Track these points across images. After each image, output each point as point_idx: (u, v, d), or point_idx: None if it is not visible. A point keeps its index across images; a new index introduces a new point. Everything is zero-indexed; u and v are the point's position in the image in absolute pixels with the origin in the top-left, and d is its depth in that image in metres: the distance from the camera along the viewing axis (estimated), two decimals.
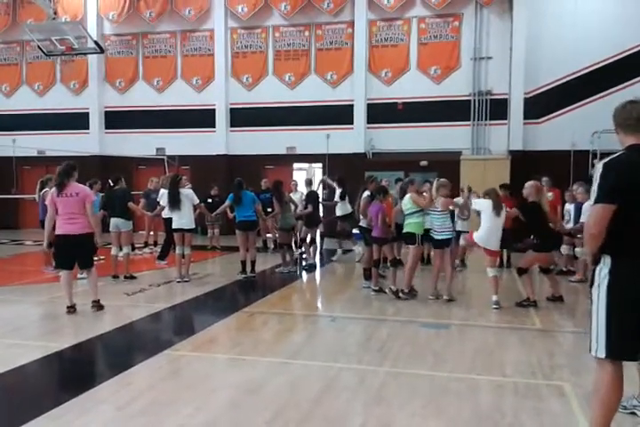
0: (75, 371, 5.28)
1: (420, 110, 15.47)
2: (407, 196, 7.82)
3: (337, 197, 11.56)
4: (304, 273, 10.46)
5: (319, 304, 8.26)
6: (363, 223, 8.60)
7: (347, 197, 11.56)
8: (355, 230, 14.68)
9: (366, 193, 8.62)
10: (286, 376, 4.80)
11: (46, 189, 9.68)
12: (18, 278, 9.35)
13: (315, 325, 6.81)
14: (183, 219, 9.10)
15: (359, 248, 11.49)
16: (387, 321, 6.70)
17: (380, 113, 15.78)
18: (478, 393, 4.42)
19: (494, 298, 7.27)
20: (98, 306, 7.19)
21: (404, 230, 7.81)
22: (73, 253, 7.00)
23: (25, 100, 18.28)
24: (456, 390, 4.48)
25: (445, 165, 14.03)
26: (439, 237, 7.65)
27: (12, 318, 7.00)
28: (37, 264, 10.31)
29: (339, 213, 11.66)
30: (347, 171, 15.19)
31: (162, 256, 10.89)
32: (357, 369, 4.98)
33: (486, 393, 4.42)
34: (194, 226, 9.32)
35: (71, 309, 7.06)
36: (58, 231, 6.97)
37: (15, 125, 18.07)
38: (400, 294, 7.71)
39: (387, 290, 8.00)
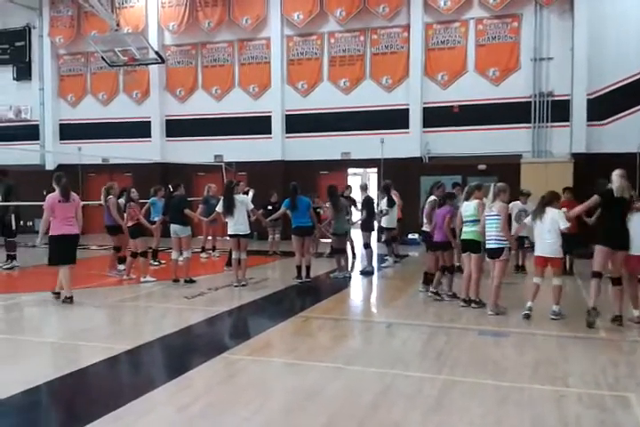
0: (136, 373, 5.44)
1: (479, 113, 15.21)
2: (474, 202, 7.45)
3: (384, 206, 11.22)
4: (359, 278, 10.42)
5: (374, 310, 8.21)
6: (426, 228, 8.48)
7: (395, 205, 11.33)
8: (410, 235, 14.70)
9: (432, 198, 8.50)
10: (342, 382, 4.79)
11: (110, 196, 10.03)
12: (83, 282, 9.68)
13: (370, 331, 6.77)
14: (238, 224, 9.24)
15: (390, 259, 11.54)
16: (443, 328, 6.59)
17: (437, 116, 15.61)
18: (540, 403, 4.28)
19: (529, 304, 6.93)
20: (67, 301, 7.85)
21: (466, 237, 7.46)
22: (71, 250, 7.89)
23: (90, 110, 19.05)
24: (517, 399, 4.36)
25: (505, 169, 13.73)
26: (492, 246, 7.10)
27: (77, 320, 7.29)
28: (102, 268, 10.67)
29: (385, 223, 11.36)
30: (402, 175, 15.14)
31: (228, 263, 10.97)
32: (414, 376, 4.91)
33: (548, 404, 4.28)
34: (249, 231, 9.44)
35: (68, 299, 7.84)
36: (58, 232, 7.71)
37: (81, 134, 18.86)
38: (472, 304, 7.46)
39: (444, 295, 7.89)
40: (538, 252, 6.97)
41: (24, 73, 19.72)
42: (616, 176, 6.62)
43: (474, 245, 7.40)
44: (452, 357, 5.46)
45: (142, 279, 9.61)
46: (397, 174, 15.11)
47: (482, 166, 14.76)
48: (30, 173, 17.10)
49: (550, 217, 6.83)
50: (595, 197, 6.64)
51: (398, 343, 6.08)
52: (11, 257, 11.21)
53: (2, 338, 6.35)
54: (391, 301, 8.35)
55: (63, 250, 7.83)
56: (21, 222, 12.63)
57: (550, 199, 6.95)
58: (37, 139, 19.56)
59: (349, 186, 12.42)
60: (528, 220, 7.18)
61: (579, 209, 6.92)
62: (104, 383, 5.08)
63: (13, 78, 19.82)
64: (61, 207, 7.80)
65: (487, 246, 7.18)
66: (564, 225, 6.73)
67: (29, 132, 19.43)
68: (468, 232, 7.46)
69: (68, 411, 4.40)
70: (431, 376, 4.90)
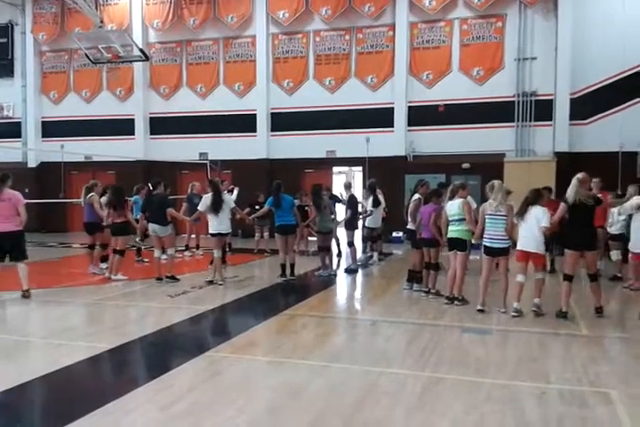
0: (118, 372, 5.40)
1: (463, 112, 15.30)
2: (458, 201, 7.48)
3: (369, 206, 11.19)
4: (344, 276, 10.43)
5: (359, 307, 8.22)
6: (410, 226, 8.50)
7: (380, 205, 11.31)
8: (395, 233, 14.75)
9: (416, 196, 8.52)
10: (326, 380, 4.79)
11: (92, 193, 9.95)
12: (66, 280, 9.61)
13: (354, 328, 6.78)
14: (222, 224, 9.21)
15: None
16: (427, 325, 6.62)
17: (422, 115, 15.68)
18: (522, 400, 4.31)
19: (515, 305, 6.95)
20: (27, 295, 8.03)
21: (452, 236, 7.48)
22: (6, 247, 7.97)
23: (73, 107, 18.86)
24: (499, 396, 4.39)
25: (488, 168, 13.83)
26: (500, 246, 7.05)
27: (59, 318, 7.21)
28: (84, 266, 10.57)
29: (370, 223, 11.33)
30: (387, 174, 15.18)
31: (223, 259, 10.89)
32: (398, 374, 4.93)
33: (530, 400, 4.31)
34: (231, 230, 9.54)
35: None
36: None
37: (63, 131, 18.67)
38: (456, 302, 7.49)
39: (428, 293, 7.95)
40: (520, 246, 7.00)
41: (6, 70, 19.45)
42: (574, 180, 6.78)
43: (460, 244, 7.44)
44: (436, 354, 5.48)
45: (113, 277, 9.55)
46: (382, 173, 15.15)
47: (466, 165, 14.86)
48: (12, 171, 16.84)
49: (534, 215, 6.88)
50: (562, 205, 6.84)
51: (382, 341, 6.10)
52: None
53: None
54: (375, 298, 8.38)
55: None
56: None
57: (534, 199, 7.00)
58: (19, 136, 19.30)
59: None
60: (514, 219, 7.18)
61: (556, 217, 6.96)
62: (86, 382, 5.03)
63: None
64: None
65: (493, 246, 7.07)
66: (545, 224, 6.78)
67: (11, 130, 19.16)
68: (453, 231, 7.48)
69: (49, 410, 4.36)
70: (415, 373, 4.92)
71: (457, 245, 7.47)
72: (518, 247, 7.04)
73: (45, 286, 9.02)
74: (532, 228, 6.86)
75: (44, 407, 4.51)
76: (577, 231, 6.75)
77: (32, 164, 19.00)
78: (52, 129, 19.10)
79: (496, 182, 7.24)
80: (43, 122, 19.31)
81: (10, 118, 19.48)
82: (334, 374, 4.95)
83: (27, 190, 17.67)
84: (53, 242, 15.80)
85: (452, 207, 7.52)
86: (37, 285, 9.03)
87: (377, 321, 6.82)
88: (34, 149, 18.84)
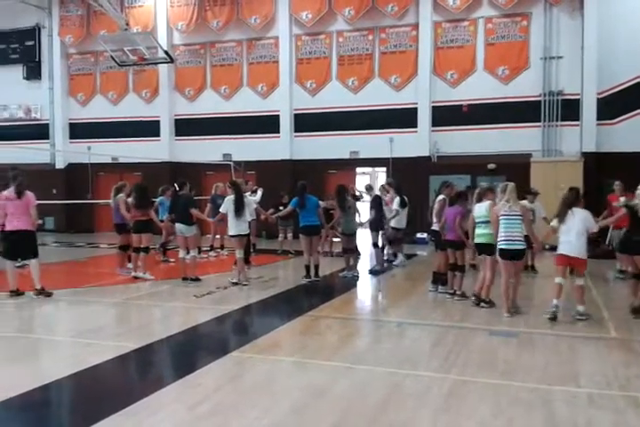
0: (146, 371, 5.46)
1: (488, 112, 15.16)
2: (485, 204, 7.37)
3: (396, 206, 11.16)
4: (368, 278, 10.41)
5: (383, 309, 8.19)
6: (435, 227, 8.44)
7: (407, 206, 11.27)
8: (419, 234, 14.66)
9: (440, 197, 8.45)
10: (351, 381, 4.79)
11: (121, 194, 10.08)
12: (93, 280, 9.75)
13: (379, 330, 6.75)
14: (243, 225, 9.27)
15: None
16: (453, 328, 6.56)
17: (446, 115, 15.57)
18: (551, 404, 4.26)
19: (555, 302, 6.82)
20: (43, 293, 8.16)
21: (481, 241, 7.37)
22: (19, 245, 8.18)
23: (100, 109, 19.12)
24: (527, 400, 4.34)
25: (514, 168, 13.68)
26: (518, 247, 6.95)
27: (88, 318, 7.33)
28: (111, 266, 10.72)
29: (396, 224, 11.23)
30: (411, 175, 15.11)
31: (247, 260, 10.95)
32: (424, 376, 4.90)
33: (559, 404, 4.26)
34: (249, 230, 9.66)
35: (14, 293, 8.16)
36: (8, 228, 8.13)
37: (90, 133, 18.95)
38: (482, 304, 7.40)
39: (454, 295, 7.89)
40: (562, 251, 6.85)
41: (34, 72, 19.80)
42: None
43: (487, 248, 7.34)
44: (462, 356, 5.44)
45: (141, 275, 9.66)
46: (406, 174, 15.09)
47: (491, 166, 14.71)
48: (40, 172, 17.16)
49: (579, 218, 6.74)
50: (623, 211, 7.20)
51: (407, 343, 6.07)
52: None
53: (14, 336, 6.39)
54: (400, 300, 8.33)
55: (13, 245, 8.20)
56: None
57: (574, 199, 6.90)
58: (47, 138, 19.65)
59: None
60: (555, 222, 7.05)
61: (609, 222, 7.31)
62: (114, 381, 5.10)
63: (23, 77, 19.90)
64: (12, 205, 8.12)
65: (510, 247, 6.93)
66: (596, 228, 6.81)
67: (39, 131, 19.51)
68: (480, 235, 7.38)
69: (79, 408, 4.42)
70: (441, 376, 4.88)
71: (485, 249, 7.39)
72: (560, 252, 6.90)
73: (73, 286, 9.18)
74: (577, 232, 6.71)
75: (73, 406, 4.59)
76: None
77: (60, 165, 19.32)
78: (79, 131, 19.40)
79: (510, 184, 7.15)
80: (70, 124, 19.63)
81: (38, 120, 19.82)
82: (359, 375, 4.94)
83: (55, 191, 18.07)
84: (81, 242, 16.04)
85: (480, 210, 7.43)
86: (65, 284, 9.22)
87: (402, 323, 6.78)
88: (62, 151, 19.14)
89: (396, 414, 4.08)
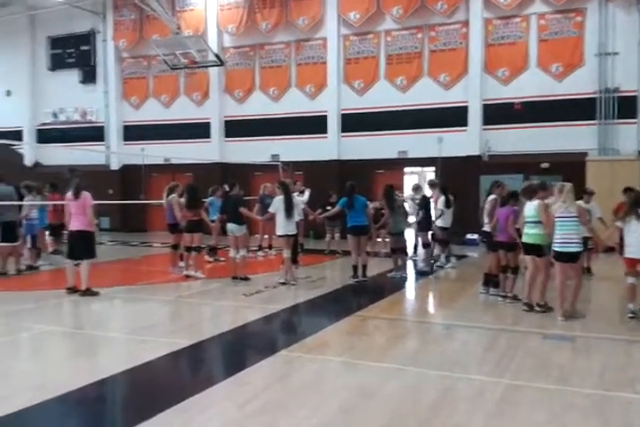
0: (197, 368, 5.55)
1: (541, 110, 14.77)
2: (535, 202, 7.12)
3: (441, 205, 11.02)
4: (417, 279, 10.30)
5: (432, 311, 8.09)
6: (486, 228, 8.26)
7: (452, 206, 11.13)
8: (470, 235, 14.41)
9: (492, 197, 8.26)
10: (401, 383, 4.74)
11: (174, 194, 10.30)
12: (146, 278, 9.98)
13: (428, 332, 6.67)
14: (292, 225, 9.33)
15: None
16: (505, 331, 6.42)
17: (497, 113, 15.26)
18: (607, 410, 4.12)
19: (630, 306, 6.69)
20: (88, 293, 8.35)
21: (529, 240, 7.15)
22: (75, 245, 8.48)
23: (152, 112, 19.58)
24: (582, 406, 4.21)
25: (569, 167, 13.28)
26: (574, 249, 6.73)
27: (141, 315, 7.52)
28: (164, 265, 10.96)
29: (443, 223, 11.08)
30: (461, 174, 14.89)
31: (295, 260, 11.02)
32: (476, 380, 4.80)
33: (616, 410, 4.12)
34: (297, 231, 9.73)
35: (70, 290, 8.45)
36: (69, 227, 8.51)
37: (144, 135, 19.41)
38: (536, 308, 7.16)
39: (506, 298, 7.72)
40: (630, 254, 6.72)
41: (89, 76, 20.45)
42: None
43: (536, 249, 7.11)
44: (515, 361, 5.31)
45: (193, 273, 9.84)
46: (456, 173, 14.88)
47: (545, 165, 14.33)
48: (96, 173, 17.70)
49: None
50: None
51: (458, 346, 5.97)
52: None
53: (71, 332, 6.62)
54: (450, 302, 8.20)
55: (71, 244, 8.59)
56: None
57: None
58: (102, 140, 20.26)
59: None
60: (619, 222, 6.85)
61: None
62: (167, 378, 5.21)
63: (79, 81, 20.57)
64: (74, 205, 8.44)
65: (566, 250, 6.72)
66: None
67: (95, 134, 20.16)
68: (530, 235, 7.15)
69: (132, 404, 4.53)
70: (493, 380, 4.78)
71: (533, 250, 7.16)
72: (628, 255, 6.75)
73: (127, 284, 9.43)
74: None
75: (127, 401, 4.70)
76: None
77: (115, 166, 19.89)
78: (133, 133, 19.92)
79: (567, 185, 6.91)
80: (124, 126, 20.18)
81: (93, 123, 20.46)
82: (409, 377, 4.89)
83: (110, 192, 18.62)
84: (135, 241, 16.46)
85: (529, 209, 7.20)
86: (120, 282, 9.48)
87: (451, 325, 6.68)
88: (116, 153, 19.70)
89: (448, 418, 4.02)
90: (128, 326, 7.02)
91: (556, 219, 6.76)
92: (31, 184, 11.22)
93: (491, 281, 8.23)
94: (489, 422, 3.96)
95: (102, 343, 6.17)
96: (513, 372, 5.00)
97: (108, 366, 5.19)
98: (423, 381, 4.80)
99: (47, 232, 12.19)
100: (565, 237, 6.71)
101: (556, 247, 6.78)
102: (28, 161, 21.03)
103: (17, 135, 20.60)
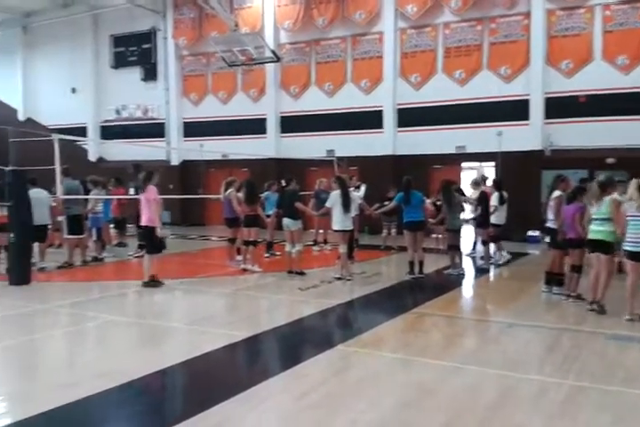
0: (255, 360, 5.64)
1: (607, 103, 14.18)
2: (606, 199, 6.81)
3: (495, 201, 10.77)
4: (475, 276, 10.12)
5: (492, 309, 7.91)
6: (551, 224, 7.99)
7: (505, 202, 10.88)
8: (530, 232, 14.04)
9: (557, 193, 7.98)
10: (460, 381, 4.67)
11: (231, 189, 10.46)
12: (204, 271, 10.19)
13: (488, 331, 6.53)
14: (347, 221, 9.31)
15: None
16: (568, 331, 6.23)
17: (560, 107, 14.75)
18: None
19: None
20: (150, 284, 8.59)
21: (595, 237, 6.87)
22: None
23: (211, 108, 19.92)
24: None
25: (636, 163, 12.71)
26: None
27: (201, 307, 7.71)
28: (222, 258, 11.16)
29: (497, 220, 10.82)
30: (521, 169, 14.52)
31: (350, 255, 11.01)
32: (537, 380, 4.68)
33: None
34: (353, 226, 9.71)
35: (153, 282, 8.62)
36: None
37: (202, 132, 19.80)
38: (594, 306, 6.88)
39: (569, 297, 7.48)
40: None
41: (150, 74, 20.98)
42: None
43: (603, 246, 6.83)
44: (579, 362, 5.15)
45: (249, 267, 9.98)
46: (516, 168, 14.51)
47: (610, 160, 13.76)
48: (157, 169, 18.16)
49: None
50: None
51: (519, 345, 5.82)
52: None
53: (134, 322, 6.84)
54: (510, 300, 7.99)
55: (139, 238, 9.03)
56: None
57: None
58: (163, 136, 20.78)
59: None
60: None
61: None
62: (226, 369, 5.32)
63: (141, 79, 21.14)
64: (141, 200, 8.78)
65: (636, 250, 6.44)
66: None
67: (156, 130, 20.70)
68: (596, 231, 6.87)
69: (193, 394, 4.63)
70: (555, 381, 4.65)
71: (599, 247, 6.88)
72: None
73: (187, 276, 9.66)
74: None
75: (187, 391, 4.81)
76: None
77: (175, 162, 20.37)
78: (192, 129, 20.34)
79: (634, 181, 6.56)
80: (184, 122, 20.63)
81: (155, 119, 21.00)
82: (468, 376, 4.81)
83: (171, 186, 19.08)
84: (194, 235, 16.84)
85: (600, 205, 6.93)
86: (180, 274, 9.72)
87: (513, 324, 6.51)
88: (176, 149, 20.17)
89: (508, 418, 3.95)
90: (188, 317, 7.20)
91: (628, 218, 6.48)
92: (97, 179, 11.64)
93: (553, 280, 7.98)
94: (550, 424, 3.87)
95: (164, 333, 6.34)
96: (576, 373, 4.85)
97: (169, 356, 5.34)
98: (483, 380, 4.71)
99: (111, 225, 12.64)
100: (637, 236, 6.40)
101: (629, 246, 6.49)
102: (92, 156, 21.81)
103: (82, 131, 21.43)
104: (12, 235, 8.92)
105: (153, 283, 8.64)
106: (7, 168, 9.26)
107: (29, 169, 9.98)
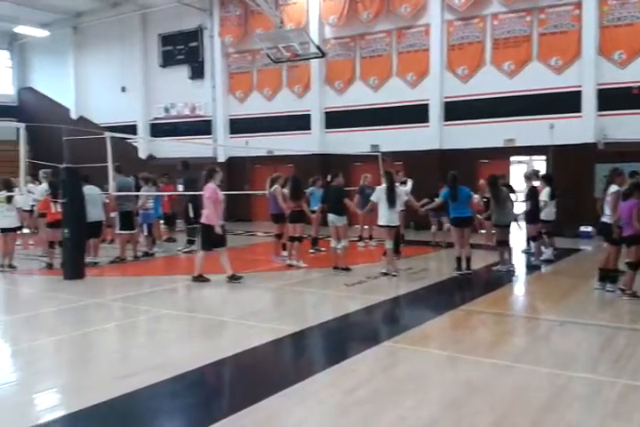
0: (302, 355, 5.69)
1: None
2: None
3: (544, 197, 10.49)
4: (524, 273, 9.91)
5: (542, 307, 7.73)
6: (606, 219, 7.73)
7: (556, 197, 10.59)
8: (583, 228, 13.64)
9: (613, 187, 7.71)
10: (510, 380, 4.59)
11: (276, 185, 10.54)
12: (251, 266, 10.30)
13: (538, 328, 6.39)
14: (393, 216, 9.25)
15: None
16: (623, 329, 6.04)
17: (614, 99, 14.24)
18: None
19: None
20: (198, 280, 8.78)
21: None
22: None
23: (256, 105, 20.09)
24: None
25: None
26: None
27: (248, 302, 7.80)
28: (267, 254, 11.27)
29: (545, 216, 10.52)
30: (573, 163, 14.12)
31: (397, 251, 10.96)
32: (591, 379, 4.57)
33: None
34: (399, 222, 9.64)
35: (231, 278, 8.80)
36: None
37: (248, 128, 19.99)
38: None
39: (623, 294, 7.24)
40: None
41: (197, 72, 21.29)
42: None
43: None
44: (634, 360, 4.98)
45: (294, 262, 10.03)
46: (568, 162, 14.12)
47: None
48: (205, 166, 18.43)
49: None
50: None
51: (572, 344, 5.68)
52: (190, 242, 12.28)
53: (184, 316, 6.99)
54: (562, 298, 7.78)
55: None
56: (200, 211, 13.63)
57: None
58: (210, 133, 21.09)
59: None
60: None
61: None
62: (274, 363, 5.39)
63: (188, 77, 21.48)
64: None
65: None
66: None
67: (203, 127, 21.02)
68: None
69: (242, 387, 4.69)
70: (609, 380, 4.52)
71: None
72: None
73: (234, 271, 9.76)
74: None
75: (237, 384, 4.86)
76: None
77: (221, 159, 20.62)
78: (238, 126, 20.57)
79: None
80: (230, 119, 20.88)
81: (202, 117, 21.33)
82: (518, 374, 4.72)
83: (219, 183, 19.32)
84: (240, 230, 17.04)
85: None
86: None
87: (564, 322, 6.34)
88: (223, 145, 20.43)
89: (561, 418, 3.86)
90: (236, 311, 7.29)
91: None
92: (148, 176, 11.93)
93: (607, 276, 7.74)
94: (604, 423, 3.76)
95: (214, 327, 6.45)
96: (631, 372, 4.70)
97: (219, 350, 5.43)
98: (534, 379, 4.62)
99: (161, 221, 12.93)
100: None
101: None
102: (142, 154, 22.33)
103: (132, 129, 21.96)
104: (66, 231, 9.23)
105: (202, 278, 8.80)
106: (61, 166, 9.55)
107: (83, 166, 10.27)
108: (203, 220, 8.81)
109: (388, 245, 9.33)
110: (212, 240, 8.80)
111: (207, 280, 8.82)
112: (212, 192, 8.69)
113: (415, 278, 9.12)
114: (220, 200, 8.90)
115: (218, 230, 8.71)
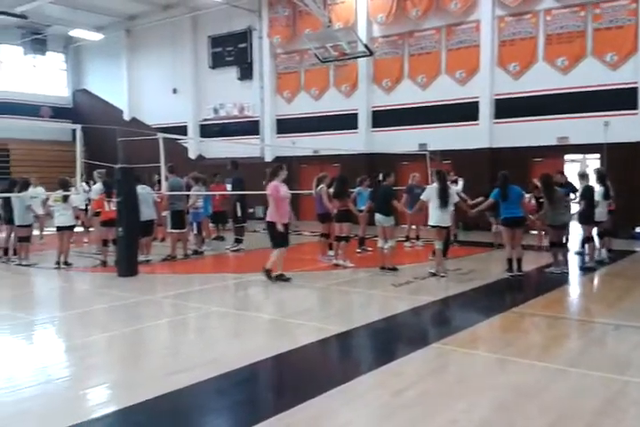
0: (349, 355, 5.67)
1: None
2: None
3: (598, 197, 10.14)
4: (578, 275, 9.63)
5: (597, 310, 7.48)
6: None
7: (609, 197, 10.24)
8: (638, 229, 13.15)
9: None
10: (564, 384, 4.47)
11: (322, 185, 10.56)
12: (298, 266, 10.33)
13: (593, 332, 6.19)
14: (445, 216, 9.13)
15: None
16: None
17: None
18: None
19: None
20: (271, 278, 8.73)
21: None
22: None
23: (303, 105, 20.18)
24: None
25: None
26: None
27: (295, 300, 7.85)
28: (314, 253, 11.30)
29: (599, 216, 10.18)
30: (631, 162, 13.65)
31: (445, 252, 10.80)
32: None
33: None
34: (451, 223, 9.49)
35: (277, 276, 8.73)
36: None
37: (295, 128, 20.10)
38: None
39: None
40: None
41: (246, 73, 21.54)
42: None
43: None
44: None
45: (341, 262, 10.01)
46: (624, 160, 13.64)
47: None
48: (252, 165, 18.67)
49: None
50: None
51: (628, 348, 5.47)
52: (238, 241, 12.44)
53: (234, 313, 7.09)
54: (617, 301, 7.53)
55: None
56: (248, 210, 13.80)
57: None
58: (258, 133, 21.31)
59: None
60: None
61: None
62: (322, 362, 5.40)
63: (237, 78, 21.77)
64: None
65: None
66: None
67: (251, 127, 21.27)
68: None
69: (291, 385, 4.72)
70: None
71: None
72: None
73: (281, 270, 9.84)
74: None
75: (286, 382, 4.90)
76: None
77: (268, 158, 20.80)
78: (285, 126, 20.71)
79: None
80: (277, 119, 21.04)
81: (250, 117, 21.58)
82: (572, 378, 4.59)
83: (264, 182, 19.50)
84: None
85: None
86: (274, 269, 9.90)
87: (620, 326, 6.14)
88: (270, 145, 20.61)
89: (617, 423, 3.74)
90: (284, 310, 7.35)
91: None
92: (198, 176, 12.16)
93: None
94: None
95: (262, 325, 6.52)
96: None
97: (268, 348, 5.47)
98: (588, 383, 4.49)
99: (210, 220, 13.15)
100: None
101: None
102: (192, 154, 22.76)
103: (183, 130, 22.42)
104: (120, 229, 9.49)
105: (283, 277, 8.77)
106: (116, 166, 9.82)
107: (136, 167, 10.53)
108: (267, 218, 8.86)
109: (438, 245, 9.21)
110: (278, 237, 8.72)
111: (288, 280, 8.75)
112: (273, 190, 8.70)
113: (464, 280, 8.97)
114: (282, 198, 8.78)
115: (280, 228, 8.63)
